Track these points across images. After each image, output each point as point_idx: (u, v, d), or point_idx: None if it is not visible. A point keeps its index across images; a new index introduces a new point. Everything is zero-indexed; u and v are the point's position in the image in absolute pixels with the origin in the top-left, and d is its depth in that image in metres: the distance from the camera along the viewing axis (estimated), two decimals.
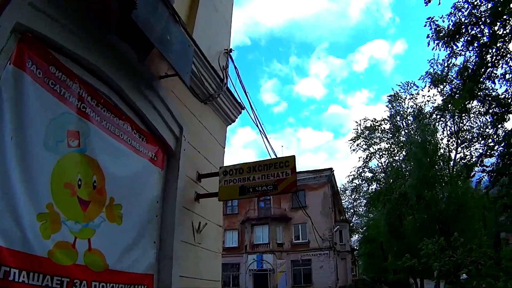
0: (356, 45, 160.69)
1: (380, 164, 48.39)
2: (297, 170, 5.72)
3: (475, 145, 30.05)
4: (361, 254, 71.37)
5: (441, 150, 35.44)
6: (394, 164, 44.39)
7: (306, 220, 38.72)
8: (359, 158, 54.27)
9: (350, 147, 49.05)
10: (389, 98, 44.63)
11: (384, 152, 46.18)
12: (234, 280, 43.53)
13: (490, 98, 15.76)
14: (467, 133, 35.28)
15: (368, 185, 52.38)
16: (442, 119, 35.36)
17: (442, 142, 36.08)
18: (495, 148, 14.77)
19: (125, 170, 4.68)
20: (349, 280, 46.81)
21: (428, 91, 33.24)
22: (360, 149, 48.15)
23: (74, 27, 3.87)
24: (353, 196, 63.35)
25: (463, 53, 15.45)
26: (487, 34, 13.44)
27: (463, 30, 13.93)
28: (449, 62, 17.27)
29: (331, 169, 45.86)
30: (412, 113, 41.62)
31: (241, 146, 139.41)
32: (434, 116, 34.37)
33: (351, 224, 60.62)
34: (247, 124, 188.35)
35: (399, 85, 52.51)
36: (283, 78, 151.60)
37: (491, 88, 16.71)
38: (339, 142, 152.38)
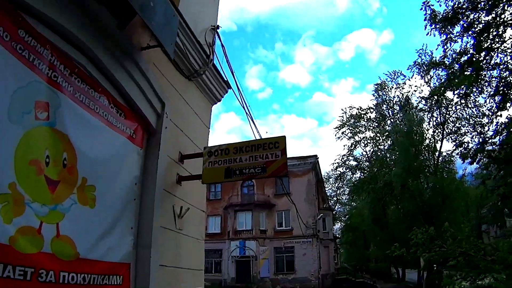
0: (343, 34, 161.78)
1: (364, 153, 48.54)
2: None
3: (462, 135, 29.87)
4: (343, 243, 72.07)
5: (427, 141, 35.53)
6: (379, 153, 44.54)
7: (290, 207, 38.70)
8: (344, 146, 54.58)
9: (335, 135, 49.21)
10: (376, 86, 44.67)
11: (369, 141, 46.27)
12: (216, 266, 43.41)
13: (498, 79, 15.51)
14: (452, 124, 35.28)
15: (352, 173, 52.91)
16: (428, 110, 35.61)
17: (428, 133, 36.34)
18: (494, 136, 14.63)
19: (100, 147, 4.21)
20: (331, 268, 47.10)
21: (421, 78, 33.33)
22: (345, 137, 48.20)
23: None
24: (336, 184, 63.70)
25: (458, 40, 15.35)
26: (483, 21, 13.28)
27: (460, 16, 13.72)
28: (445, 47, 17.07)
29: (315, 156, 45.69)
30: (399, 103, 41.65)
31: (225, 131, 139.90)
32: (421, 106, 34.64)
33: (333, 212, 60.79)
34: (231, 110, 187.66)
35: (386, 74, 52.79)
36: (268, 64, 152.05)
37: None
38: (323, 130, 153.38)
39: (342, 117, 48.76)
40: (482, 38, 13.34)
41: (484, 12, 13.13)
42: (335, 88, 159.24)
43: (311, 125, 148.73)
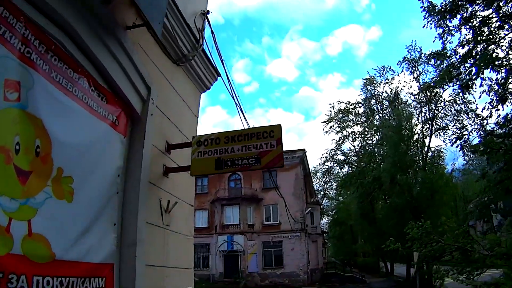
0: (330, 29, 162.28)
1: (352, 147, 48.52)
2: None
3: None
4: (331, 237, 72.37)
5: (416, 136, 35.72)
6: (367, 148, 44.59)
7: (278, 202, 38.66)
8: (332, 140, 54.54)
9: (323, 129, 49.00)
10: (365, 81, 44.52)
11: (357, 136, 46.18)
12: (204, 261, 43.11)
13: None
14: (441, 121, 35.68)
15: (340, 168, 52.95)
16: (418, 105, 35.98)
17: (416, 128, 36.54)
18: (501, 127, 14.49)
19: (79, 134, 3.76)
20: (320, 263, 47.17)
21: (410, 74, 33.76)
22: (333, 131, 48.04)
23: None
24: (323, 179, 63.81)
25: (455, 33, 15.28)
26: (480, 17, 13.16)
27: (459, 9, 13.58)
28: (444, 39, 16.90)
29: (303, 150, 45.52)
30: (387, 98, 41.67)
31: (211, 125, 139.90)
32: (410, 101, 34.95)
33: (321, 207, 60.84)
34: (218, 103, 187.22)
35: (375, 69, 52.94)
36: (255, 58, 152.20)
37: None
38: (309, 124, 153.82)
39: (330, 111, 48.61)
40: (480, 31, 13.27)
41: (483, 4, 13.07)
42: (322, 83, 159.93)
43: (298, 120, 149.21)
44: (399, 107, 37.35)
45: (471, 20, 13.72)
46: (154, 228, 4.90)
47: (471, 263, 10.06)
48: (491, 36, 13.60)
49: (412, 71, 35.76)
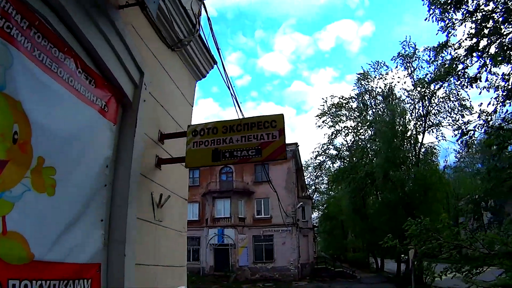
0: (323, 24, 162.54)
1: (345, 142, 48.48)
2: None
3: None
4: (321, 232, 72.46)
5: (409, 132, 35.91)
6: (360, 143, 44.52)
7: (269, 195, 38.61)
8: (324, 135, 54.64)
9: (316, 123, 49.04)
10: (359, 76, 44.42)
11: (350, 130, 46.12)
12: (194, 254, 42.90)
13: None
14: (434, 117, 35.97)
15: (332, 162, 53.02)
16: (411, 102, 36.25)
17: (410, 124, 36.80)
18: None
19: (63, 120, 3.39)
20: (310, 258, 47.17)
21: (404, 69, 34.10)
22: (325, 125, 47.92)
23: None
24: (315, 173, 63.88)
25: (458, 27, 15.17)
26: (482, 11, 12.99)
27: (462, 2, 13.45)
28: (448, 33, 16.94)
29: (296, 144, 45.32)
30: (381, 93, 41.60)
31: (203, 118, 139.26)
32: (403, 97, 35.15)
33: (312, 201, 60.85)
34: (209, 96, 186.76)
35: (369, 64, 52.97)
36: (248, 51, 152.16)
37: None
38: (301, 118, 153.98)
39: (323, 106, 48.52)
40: (483, 25, 13.14)
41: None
42: (314, 77, 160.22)
43: (290, 114, 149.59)
44: (393, 103, 37.43)
45: (475, 14, 13.59)
46: (145, 224, 4.59)
47: (470, 261, 9.95)
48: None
49: (406, 67, 36.13)
